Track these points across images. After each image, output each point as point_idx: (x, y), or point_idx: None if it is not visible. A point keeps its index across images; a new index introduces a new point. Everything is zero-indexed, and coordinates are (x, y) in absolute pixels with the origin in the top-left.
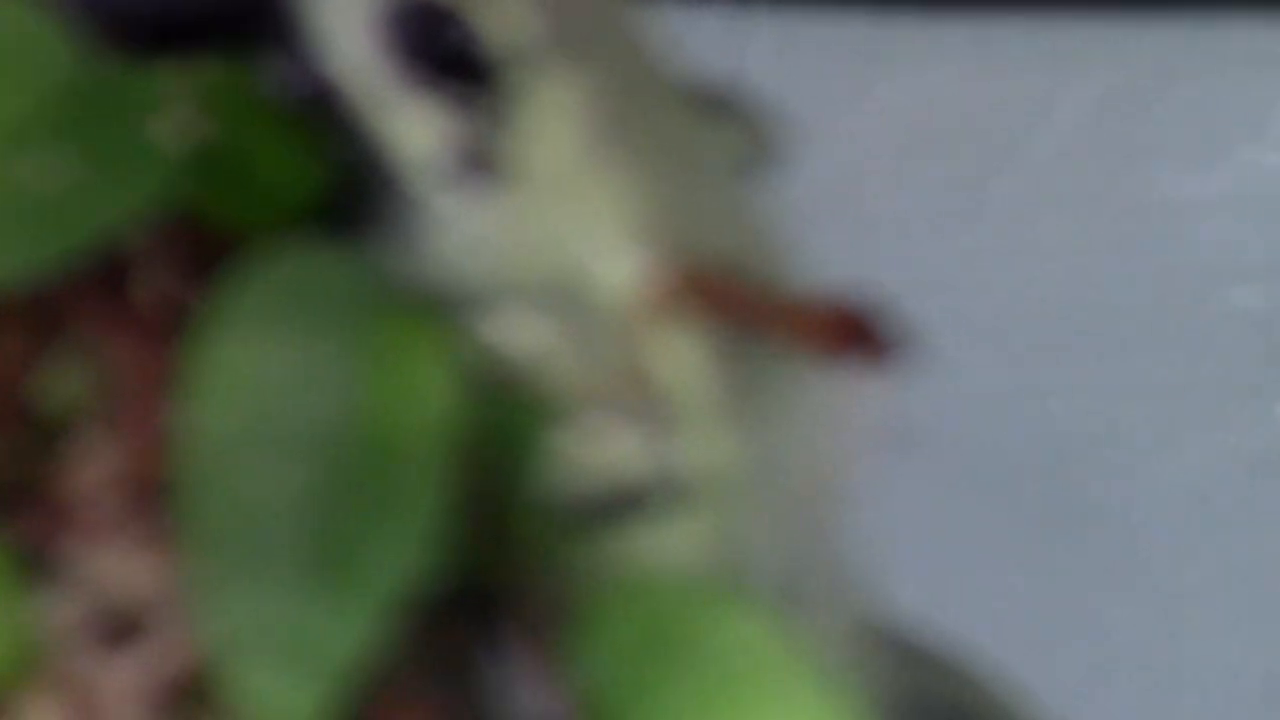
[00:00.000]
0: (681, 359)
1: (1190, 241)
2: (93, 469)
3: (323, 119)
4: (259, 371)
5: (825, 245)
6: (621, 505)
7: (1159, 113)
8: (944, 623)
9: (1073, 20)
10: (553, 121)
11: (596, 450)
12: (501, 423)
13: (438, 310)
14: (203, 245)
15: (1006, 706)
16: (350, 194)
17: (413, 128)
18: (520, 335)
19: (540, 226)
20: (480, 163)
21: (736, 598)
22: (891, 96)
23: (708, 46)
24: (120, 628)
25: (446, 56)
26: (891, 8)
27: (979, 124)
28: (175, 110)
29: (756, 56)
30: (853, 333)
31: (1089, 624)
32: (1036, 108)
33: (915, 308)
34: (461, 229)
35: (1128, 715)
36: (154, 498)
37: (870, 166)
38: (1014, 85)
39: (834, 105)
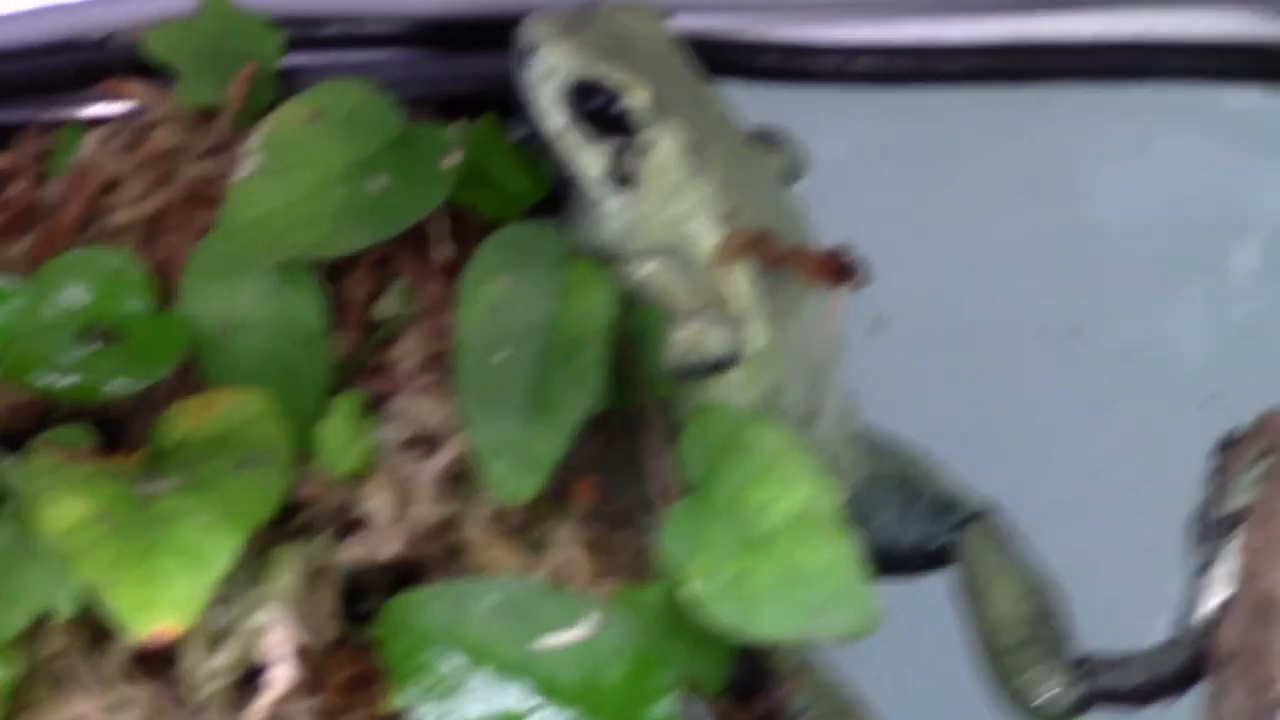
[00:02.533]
0: (743, 286)
1: None
2: (410, 353)
3: (540, 154)
4: (500, 295)
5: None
6: (710, 367)
7: None
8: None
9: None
10: (666, 151)
11: (696, 337)
12: (640, 323)
13: (603, 261)
14: (470, 225)
15: (936, 472)
16: (555, 196)
17: (587, 158)
18: (651, 275)
19: (661, 214)
20: (626, 178)
21: (771, 420)
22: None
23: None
24: (425, 444)
25: (602, 116)
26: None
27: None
28: (456, 149)
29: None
30: (836, 266)
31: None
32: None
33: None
34: (616, 216)
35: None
36: (444, 369)
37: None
38: None
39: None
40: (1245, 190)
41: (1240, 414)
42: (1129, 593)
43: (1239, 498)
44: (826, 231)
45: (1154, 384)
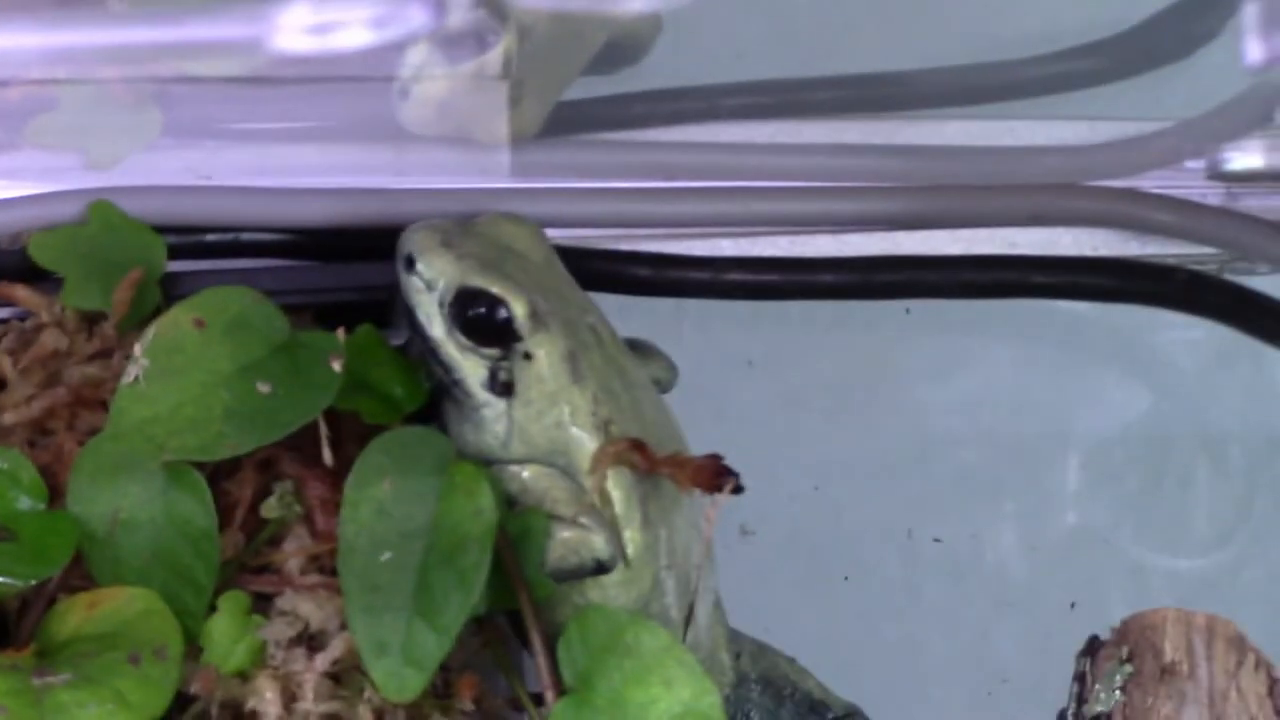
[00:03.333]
0: (620, 492)
1: None
2: (295, 553)
3: (423, 361)
4: (385, 497)
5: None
6: (588, 570)
7: None
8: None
9: None
10: (544, 361)
11: (575, 541)
12: (521, 527)
13: (485, 465)
14: (353, 430)
15: (803, 675)
16: (435, 401)
17: (468, 366)
18: (531, 480)
19: (540, 421)
20: (506, 386)
21: (650, 621)
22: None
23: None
24: (310, 641)
25: (482, 325)
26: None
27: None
28: (340, 356)
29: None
30: (712, 474)
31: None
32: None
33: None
34: (497, 422)
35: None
36: (329, 569)
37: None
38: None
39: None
40: (1067, 402)
41: (1085, 622)
42: None
43: (1101, 703)
44: (692, 440)
45: (1008, 590)
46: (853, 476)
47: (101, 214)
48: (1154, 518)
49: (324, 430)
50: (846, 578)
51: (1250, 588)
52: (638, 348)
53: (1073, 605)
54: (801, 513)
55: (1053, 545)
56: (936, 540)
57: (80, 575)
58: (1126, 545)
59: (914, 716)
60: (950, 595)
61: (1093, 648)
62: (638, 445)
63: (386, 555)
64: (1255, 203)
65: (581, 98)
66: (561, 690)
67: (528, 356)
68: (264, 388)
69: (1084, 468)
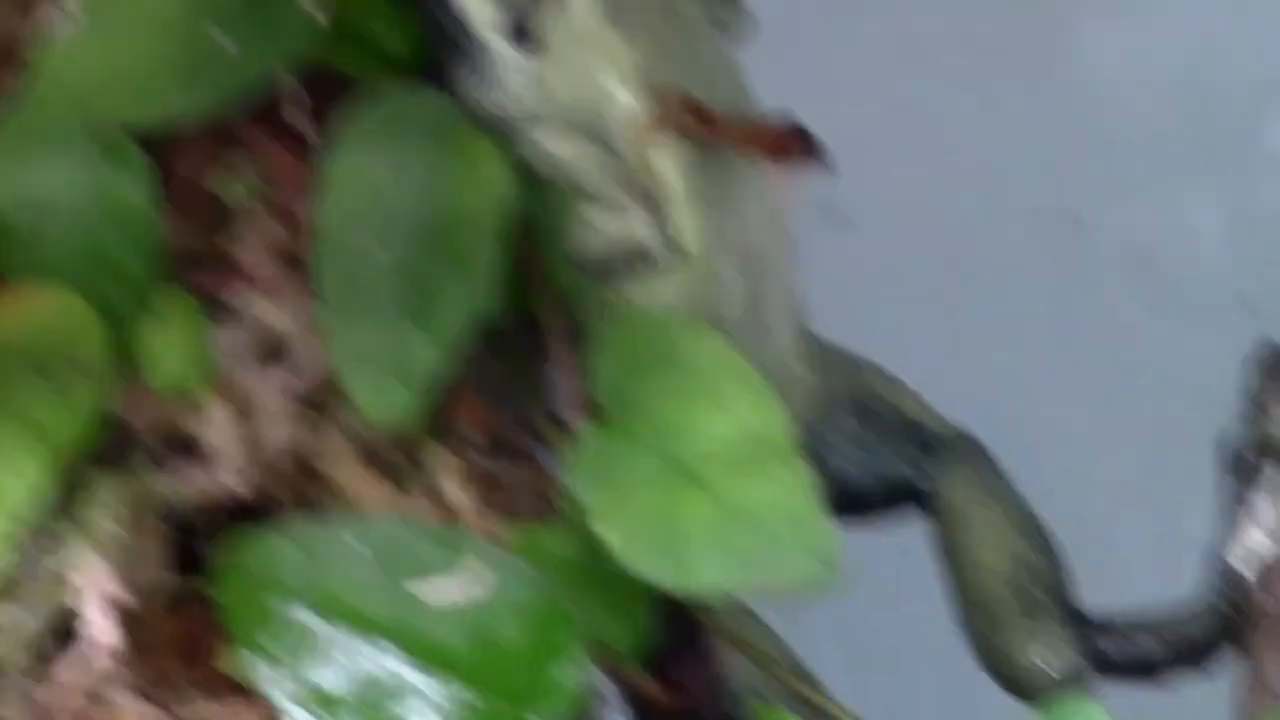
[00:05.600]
0: (669, 162)
1: None
2: (255, 241)
3: (424, 2)
4: (369, 173)
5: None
6: (629, 262)
7: None
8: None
9: None
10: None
11: (612, 226)
12: (543, 208)
13: (499, 133)
14: (331, 87)
15: (898, 392)
16: (436, 54)
17: (479, 6)
18: (557, 151)
19: (570, 77)
20: (525, 31)
21: (702, 325)
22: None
23: None
24: (275, 354)
25: None
26: None
27: None
28: None
29: None
30: (790, 142)
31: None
32: None
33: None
34: (514, 78)
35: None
36: (297, 261)
37: None
38: None
39: None
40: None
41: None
42: (1142, 536)
43: (1277, 426)
44: (770, 105)
45: (1168, 285)
46: (981, 149)
47: None
48: None
49: (295, 89)
50: (965, 276)
51: None
52: None
53: (1243, 298)
54: (911, 195)
55: (1249, 229)
56: (1079, 222)
57: None
58: None
59: (1046, 443)
60: (1098, 293)
61: (1270, 357)
62: (693, 106)
63: (372, 243)
64: None
65: None
66: (592, 411)
67: None
68: (220, 36)
69: None
